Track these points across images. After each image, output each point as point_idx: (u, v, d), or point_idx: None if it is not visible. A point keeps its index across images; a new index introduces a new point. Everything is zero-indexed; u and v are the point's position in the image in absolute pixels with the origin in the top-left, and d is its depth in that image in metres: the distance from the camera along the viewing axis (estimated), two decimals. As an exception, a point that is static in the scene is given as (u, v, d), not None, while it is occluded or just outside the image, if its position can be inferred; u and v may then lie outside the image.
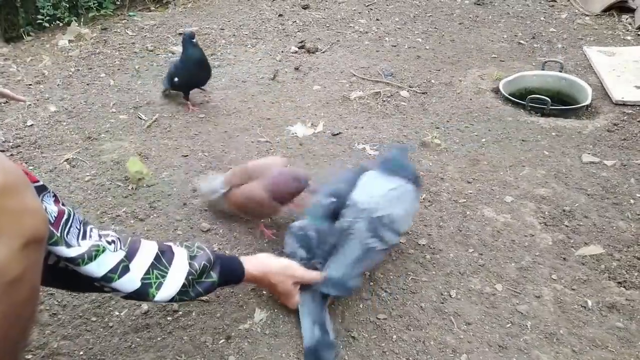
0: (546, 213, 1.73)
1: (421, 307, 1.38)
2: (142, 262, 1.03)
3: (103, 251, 0.96)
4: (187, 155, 2.09)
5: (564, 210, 1.74)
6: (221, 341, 1.28)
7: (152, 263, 1.04)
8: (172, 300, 1.07)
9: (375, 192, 1.42)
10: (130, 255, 1.01)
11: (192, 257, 1.11)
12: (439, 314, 1.36)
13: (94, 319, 1.34)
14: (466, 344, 1.27)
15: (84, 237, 0.95)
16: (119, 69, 2.92)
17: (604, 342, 1.27)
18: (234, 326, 1.32)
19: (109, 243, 0.99)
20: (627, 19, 3.48)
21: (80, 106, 2.51)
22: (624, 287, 1.45)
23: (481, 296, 1.41)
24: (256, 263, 1.23)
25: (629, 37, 3.23)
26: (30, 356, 1.23)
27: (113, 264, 0.98)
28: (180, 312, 1.36)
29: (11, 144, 2.18)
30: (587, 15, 3.61)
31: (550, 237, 1.63)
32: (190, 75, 2.44)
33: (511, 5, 3.89)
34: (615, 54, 2.93)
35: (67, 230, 0.92)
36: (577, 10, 3.71)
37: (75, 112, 2.45)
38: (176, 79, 2.43)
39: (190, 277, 1.08)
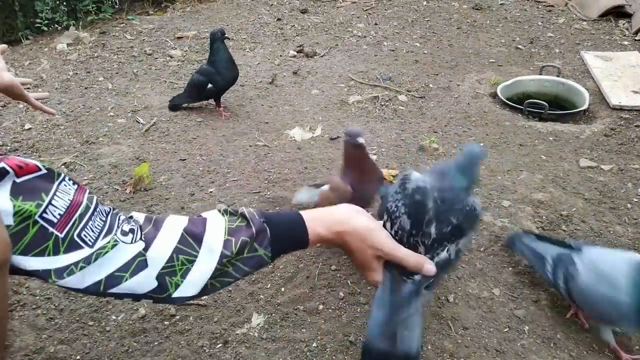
0: (544, 217, 1.74)
1: (419, 311, 1.38)
2: (163, 249, 0.85)
3: (113, 246, 0.81)
4: (185, 159, 2.09)
5: (561, 215, 1.75)
6: (218, 346, 1.28)
7: (177, 247, 0.85)
8: (205, 290, 0.88)
9: None
10: (147, 245, 0.84)
11: (230, 232, 0.89)
12: (437, 318, 1.36)
13: (91, 323, 1.34)
14: (464, 348, 1.27)
15: (108, 233, 0.82)
16: (117, 73, 2.92)
17: (601, 347, 1.27)
18: (231, 331, 1.32)
19: (125, 234, 0.83)
20: (624, 24, 3.49)
21: (79, 110, 2.51)
22: (621, 291, 1.45)
23: (479, 301, 1.41)
24: (330, 221, 0.93)
25: (626, 42, 3.24)
26: (26, 361, 1.23)
27: (125, 259, 0.82)
28: (178, 317, 1.36)
29: (9, 147, 2.18)
30: (585, 20, 3.63)
31: (547, 241, 1.63)
32: (224, 78, 2.32)
33: (509, 10, 3.91)
34: (612, 58, 2.94)
35: (82, 225, 0.80)
36: (574, 15, 3.73)
37: (73, 116, 2.45)
38: (210, 86, 2.30)
39: (224, 259, 0.87)
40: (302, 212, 0.94)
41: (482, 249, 1.60)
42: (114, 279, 0.81)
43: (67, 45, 3.26)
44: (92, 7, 3.61)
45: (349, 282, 1.48)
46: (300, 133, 2.28)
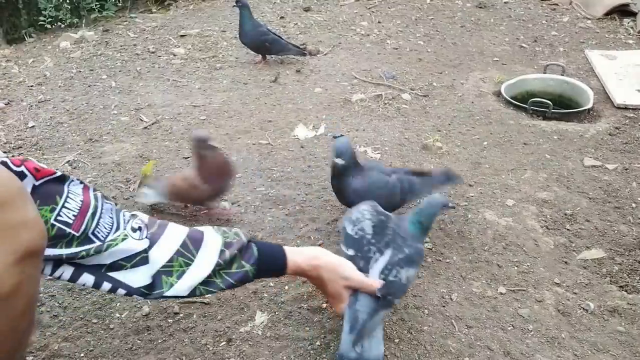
0: (548, 217, 1.73)
1: (422, 310, 1.37)
2: (165, 250, 0.96)
3: (123, 240, 0.91)
4: (188, 157, 2.09)
5: (565, 214, 1.74)
6: (222, 344, 1.28)
7: (178, 249, 0.96)
8: (194, 293, 0.98)
9: None
10: (151, 244, 0.95)
11: (225, 244, 1.02)
12: (441, 317, 1.35)
13: (94, 320, 1.34)
14: (467, 347, 1.27)
15: (117, 229, 0.91)
16: (120, 71, 2.92)
17: (605, 347, 1.27)
18: (235, 329, 1.32)
19: (134, 230, 0.94)
20: (628, 23, 3.48)
21: (82, 108, 2.51)
22: (626, 291, 1.44)
23: (482, 300, 1.41)
24: (307, 255, 1.11)
25: (630, 41, 3.23)
26: (31, 358, 1.23)
27: (131, 252, 0.92)
28: (181, 315, 1.36)
29: (12, 145, 2.18)
30: (589, 19, 3.61)
31: (552, 240, 1.63)
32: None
33: (513, 8, 3.89)
34: (617, 57, 2.93)
35: (95, 223, 0.89)
36: (578, 14, 3.71)
37: (76, 114, 2.45)
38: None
39: (217, 268, 0.99)
40: (284, 246, 1.11)
41: (485, 248, 1.59)
42: (116, 265, 0.92)
43: (71, 43, 3.27)
44: (96, 5, 3.61)
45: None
46: (304, 131, 2.28)
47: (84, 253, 0.88)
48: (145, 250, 0.93)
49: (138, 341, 1.28)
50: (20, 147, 2.17)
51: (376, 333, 1.14)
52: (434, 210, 1.29)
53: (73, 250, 0.88)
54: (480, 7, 3.91)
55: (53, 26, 3.48)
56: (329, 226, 1.70)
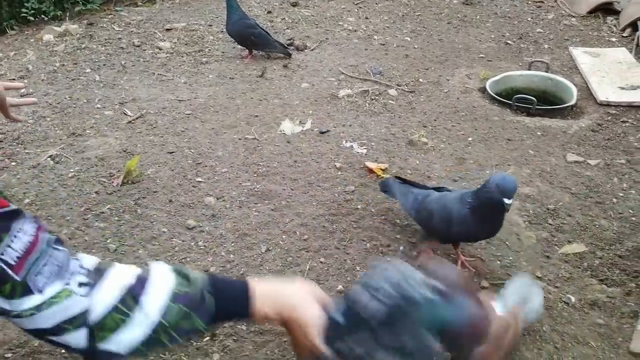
0: (530, 211, 1.75)
1: (406, 304, 1.38)
2: (101, 306, 0.81)
3: (67, 297, 0.78)
4: (173, 152, 2.07)
5: (548, 209, 1.76)
6: (206, 339, 1.27)
7: (114, 305, 0.82)
8: (136, 352, 0.84)
9: None
10: (94, 300, 0.81)
11: (174, 297, 0.86)
12: (424, 311, 1.36)
13: (76, 316, 1.33)
14: (450, 341, 1.28)
15: (61, 279, 0.79)
16: (104, 65, 2.89)
17: (585, 339, 1.29)
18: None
19: (80, 285, 0.80)
20: (612, 21, 3.52)
21: (65, 102, 2.47)
22: (606, 284, 1.47)
23: (466, 293, 1.42)
24: (280, 303, 0.92)
25: (613, 39, 3.27)
26: (9, 355, 1.22)
27: (74, 313, 0.79)
28: (165, 310, 1.35)
29: (-7, 139, 2.15)
30: (573, 17, 3.65)
31: (534, 235, 1.65)
32: None
33: (499, 5, 3.92)
34: (600, 54, 2.97)
35: (37, 269, 0.77)
36: (563, 12, 3.75)
37: (59, 108, 2.42)
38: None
39: (159, 328, 0.84)
40: (253, 286, 0.92)
41: (469, 243, 1.61)
42: (58, 329, 0.79)
43: (54, 37, 3.21)
44: (80, -2, 3.55)
45: (338, 276, 1.48)
46: (290, 127, 2.28)
47: (21, 312, 0.76)
48: (87, 309, 0.80)
49: (121, 337, 1.27)
50: (1, 142, 2.13)
51: None
52: None
53: (16, 305, 0.76)
54: (467, 4, 3.93)
55: (36, 19, 3.42)
56: (315, 221, 1.70)
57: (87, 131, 2.23)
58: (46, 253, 0.79)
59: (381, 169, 1.94)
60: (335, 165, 1.99)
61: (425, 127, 2.30)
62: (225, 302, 0.91)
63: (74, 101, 2.48)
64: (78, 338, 0.80)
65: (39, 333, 0.80)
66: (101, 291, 0.82)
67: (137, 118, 2.33)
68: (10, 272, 0.74)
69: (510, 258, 1.55)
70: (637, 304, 1.40)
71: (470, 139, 2.21)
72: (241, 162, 2.01)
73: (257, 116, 2.37)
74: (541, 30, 3.44)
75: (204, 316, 0.88)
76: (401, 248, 1.59)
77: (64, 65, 2.87)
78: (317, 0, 3.98)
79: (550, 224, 1.70)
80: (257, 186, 1.87)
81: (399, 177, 1.68)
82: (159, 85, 2.65)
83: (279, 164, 2.00)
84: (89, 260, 0.85)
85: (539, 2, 3.95)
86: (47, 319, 0.78)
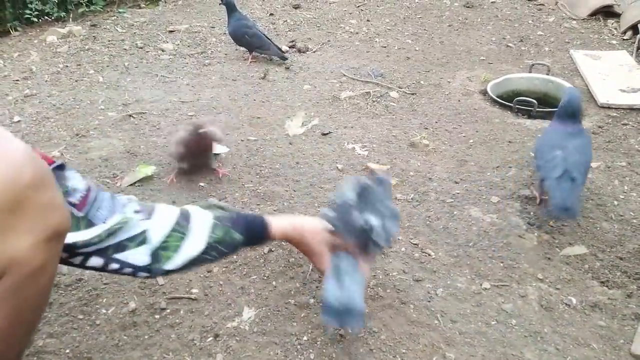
0: (532, 213, 1.76)
1: (408, 305, 1.39)
2: (161, 228, 1.03)
3: (126, 222, 0.98)
4: (176, 153, 2.08)
5: (549, 211, 1.77)
6: (209, 339, 1.28)
7: (173, 226, 1.04)
8: (193, 262, 1.06)
9: None
10: (149, 223, 1.02)
11: (216, 218, 1.11)
12: (426, 312, 1.37)
13: (80, 316, 1.33)
14: (452, 341, 1.29)
15: (116, 212, 0.97)
16: (108, 66, 2.90)
17: (586, 341, 1.30)
18: (222, 324, 1.32)
19: (136, 212, 1.00)
20: (612, 24, 3.53)
21: (69, 103, 2.49)
22: (607, 286, 1.48)
23: (467, 295, 1.43)
24: (290, 221, 1.23)
25: (614, 42, 3.28)
26: (15, 354, 1.22)
27: (135, 232, 0.99)
28: (168, 310, 1.36)
29: (-3, 140, 2.15)
30: (574, 19, 3.66)
31: (535, 237, 1.66)
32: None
33: (500, 8, 3.93)
34: (600, 57, 2.98)
35: (95, 207, 0.94)
36: (564, 14, 3.76)
37: (63, 109, 2.43)
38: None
39: (210, 240, 1.08)
40: (265, 215, 1.23)
41: (471, 244, 1.62)
42: (121, 246, 0.98)
43: (58, 38, 3.23)
44: (83, 0, 3.57)
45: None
46: (292, 128, 2.29)
47: (96, 239, 0.94)
48: (145, 230, 1.00)
49: (124, 337, 1.28)
50: (5, 142, 2.14)
51: (358, 287, 1.20)
52: None
53: (82, 236, 0.93)
54: (468, 7, 3.94)
55: (40, 20, 3.44)
56: (317, 222, 1.71)
57: (91, 132, 2.24)
58: (99, 193, 0.97)
59: (383, 171, 1.95)
60: (337, 167, 2.00)
61: (426, 129, 2.31)
62: (252, 221, 1.18)
63: (78, 102, 2.49)
64: (142, 254, 1.00)
65: (106, 250, 0.97)
66: (157, 217, 1.03)
67: (140, 119, 2.34)
68: (74, 210, 0.92)
69: (512, 260, 1.56)
70: (639, 305, 1.41)
71: (471, 141, 2.22)
72: (244, 163, 2.02)
73: (259, 118, 2.38)
74: (542, 33, 3.45)
75: (240, 231, 1.14)
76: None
77: (67, 66, 2.88)
78: (319, 3, 4.00)
79: (551, 226, 1.70)
80: (260, 187, 1.88)
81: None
82: (162, 87, 2.67)
83: (281, 165, 2.01)
84: (133, 197, 1.07)
85: (539, 5, 3.96)
86: (113, 239, 0.97)
